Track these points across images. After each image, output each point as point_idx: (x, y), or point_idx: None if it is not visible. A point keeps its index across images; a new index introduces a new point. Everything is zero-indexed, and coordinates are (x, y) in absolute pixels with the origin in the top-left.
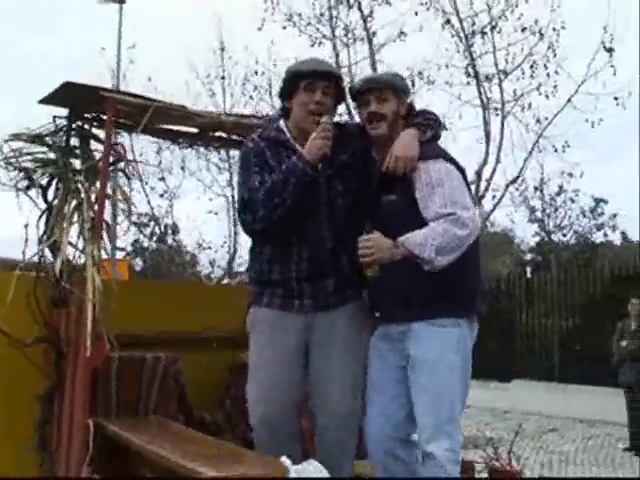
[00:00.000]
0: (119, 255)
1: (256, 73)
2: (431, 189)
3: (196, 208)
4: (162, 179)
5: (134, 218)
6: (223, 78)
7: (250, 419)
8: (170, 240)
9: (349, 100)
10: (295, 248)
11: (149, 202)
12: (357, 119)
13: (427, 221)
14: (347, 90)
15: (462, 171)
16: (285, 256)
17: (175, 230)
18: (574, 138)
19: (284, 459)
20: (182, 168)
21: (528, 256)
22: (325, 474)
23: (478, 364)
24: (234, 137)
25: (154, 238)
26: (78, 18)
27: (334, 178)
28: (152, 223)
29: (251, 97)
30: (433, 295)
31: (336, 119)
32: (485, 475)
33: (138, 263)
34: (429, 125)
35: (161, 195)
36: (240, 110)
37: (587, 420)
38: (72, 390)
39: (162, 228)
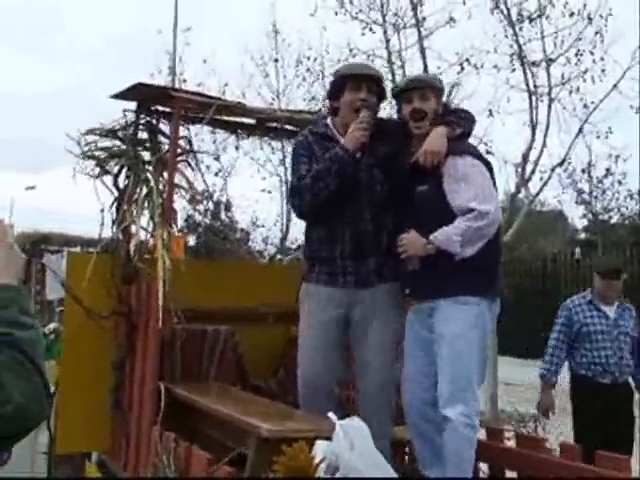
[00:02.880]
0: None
1: (308, 59)
2: (457, 183)
3: (250, 186)
4: (217, 158)
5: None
6: (277, 60)
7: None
8: (223, 216)
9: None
10: (340, 229)
11: (204, 180)
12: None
13: (454, 209)
14: (389, 89)
15: (488, 165)
16: (331, 237)
17: (228, 207)
18: (620, 123)
19: (331, 414)
20: (236, 147)
21: (581, 235)
22: (366, 431)
23: (526, 343)
24: (288, 128)
25: (208, 215)
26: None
27: (375, 167)
28: (206, 201)
29: (304, 79)
30: (456, 275)
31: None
32: (513, 442)
33: (191, 239)
34: (458, 124)
35: (216, 174)
36: (294, 91)
37: None
38: (143, 358)
39: (215, 205)
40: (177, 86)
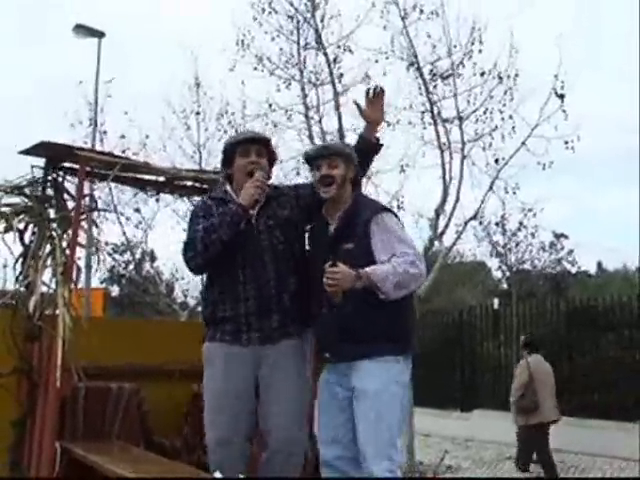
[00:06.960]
0: (95, 284)
1: (227, 112)
2: (388, 234)
3: (171, 238)
4: (137, 210)
5: (109, 249)
6: (198, 113)
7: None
8: (148, 267)
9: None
10: (242, 287)
11: (124, 233)
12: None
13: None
14: (302, 154)
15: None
16: (233, 295)
17: (153, 258)
18: (529, 179)
19: (217, 474)
20: (157, 200)
21: (503, 286)
22: None
23: (441, 394)
24: (196, 185)
25: (130, 266)
26: (57, 49)
27: (276, 228)
28: (128, 252)
29: (225, 132)
30: (377, 337)
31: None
32: None
33: (114, 290)
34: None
35: (136, 226)
36: (215, 144)
37: None
38: (42, 416)
39: (137, 257)
40: (98, 138)
